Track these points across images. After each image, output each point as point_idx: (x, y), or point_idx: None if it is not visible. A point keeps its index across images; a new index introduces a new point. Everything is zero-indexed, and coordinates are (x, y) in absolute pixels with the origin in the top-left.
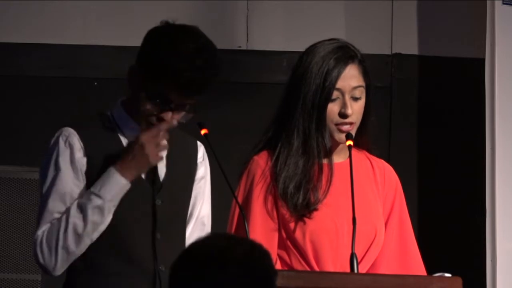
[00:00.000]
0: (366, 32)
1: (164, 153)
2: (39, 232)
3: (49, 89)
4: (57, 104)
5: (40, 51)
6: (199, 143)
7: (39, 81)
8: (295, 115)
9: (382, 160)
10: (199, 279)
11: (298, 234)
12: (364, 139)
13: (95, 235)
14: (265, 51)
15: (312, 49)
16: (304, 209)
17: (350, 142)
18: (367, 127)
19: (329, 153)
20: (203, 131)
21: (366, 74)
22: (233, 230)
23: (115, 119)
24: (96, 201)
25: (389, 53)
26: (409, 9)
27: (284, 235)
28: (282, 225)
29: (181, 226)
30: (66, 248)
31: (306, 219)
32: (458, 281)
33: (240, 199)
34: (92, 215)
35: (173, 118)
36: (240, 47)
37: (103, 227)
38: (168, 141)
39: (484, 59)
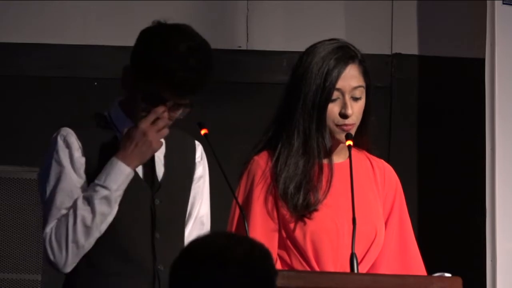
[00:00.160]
0: (366, 32)
1: (163, 147)
2: (48, 229)
3: (49, 89)
4: (57, 104)
5: (40, 51)
6: (197, 142)
7: (39, 81)
8: (295, 116)
9: (382, 160)
10: (199, 278)
11: (298, 234)
12: (364, 139)
13: (104, 227)
14: (265, 51)
15: (312, 49)
16: (305, 210)
17: (350, 142)
18: (367, 127)
19: (329, 153)
20: (203, 131)
21: (366, 74)
22: (233, 231)
23: (112, 119)
24: (103, 192)
25: (389, 53)
26: (409, 9)
27: (284, 235)
28: (282, 225)
29: (180, 226)
30: (76, 242)
31: (306, 220)
32: (458, 281)
33: (240, 199)
34: (100, 206)
35: (169, 117)
36: (240, 47)
37: (110, 218)
38: (166, 138)
39: (484, 59)
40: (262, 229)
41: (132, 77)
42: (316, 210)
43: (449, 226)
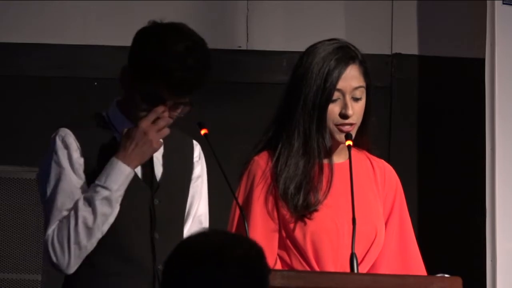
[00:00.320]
0: (366, 32)
1: (161, 148)
2: (50, 231)
3: (49, 89)
4: (57, 104)
5: (40, 51)
6: (195, 142)
7: (39, 81)
8: (295, 116)
9: (383, 160)
10: (197, 277)
11: (298, 235)
12: (365, 139)
13: (105, 227)
14: (265, 51)
15: (312, 49)
16: (305, 210)
17: (349, 142)
18: (368, 127)
19: (329, 154)
20: (203, 131)
21: (366, 74)
22: (233, 231)
23: (110, 119)
24: (103, 192)
25: (389, 53)
26: (409, 9)
27: (284, 235)
28: (282, 225)
29: (179, 226)
30: (78, 243)
31: (306, 220)
32: (458, 281)
33: (240, 200)
34: (101, 207)
35: (170, 116)
36: (240, 47)
37: (112, 218)
38: (165, 138)
39: (484, 59)
40: (262, 229)
41: (130, 77)
42: (316, 210)
43: (449, 226)
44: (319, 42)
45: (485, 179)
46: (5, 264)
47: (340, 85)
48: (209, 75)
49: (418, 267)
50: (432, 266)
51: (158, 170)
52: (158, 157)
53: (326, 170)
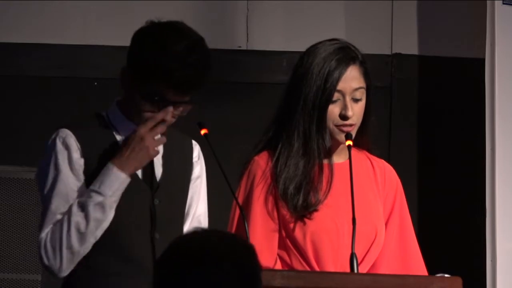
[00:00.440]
0: (366, 32)
1: (161, 147)
2: (43, 234)
3: (49, 89)
4: (57, 104)
5: (40, 51)
6: (194, 142)
7: (39, 81)
8: (295, 116)
9: (383, 160)
10: (188, 276)
11: (298, 235)
12: (365, 139)
13: (99, 233)
14: (265, 51)
15: (313, 49)
16: (304, 210)
17: (349, 142)
18: (368, 128)
19: (329, 154)
20: (203, 131)
21: (367, 75)
22: (233, 231)
23: (111, 120)
24: (97, 198)
25: (389, 53)
26: (409, 9)
27: (284, 235)
28: (282, 225)
29: (179, 226)
30: (70, 248)
31: (306, 220)
32: (458, 281)
33: (240, 200)
34: (94, 212)
35: (172, 115)
36: (240, 47)
37: (106, 224)
38: (164, 143)
39: (484, 59)
40: (262, 229)
41: (130, 78)
42: (316, 210)
43: (449, 226)
44: (320, 42)
45: (485, 179)
46: (5, 264)
47: (340, 86)
48: (210, 73)
49: (418, 267)
50: (432, 266)
51: (158, 170)
52: (158, 157)
53: (326, 170)
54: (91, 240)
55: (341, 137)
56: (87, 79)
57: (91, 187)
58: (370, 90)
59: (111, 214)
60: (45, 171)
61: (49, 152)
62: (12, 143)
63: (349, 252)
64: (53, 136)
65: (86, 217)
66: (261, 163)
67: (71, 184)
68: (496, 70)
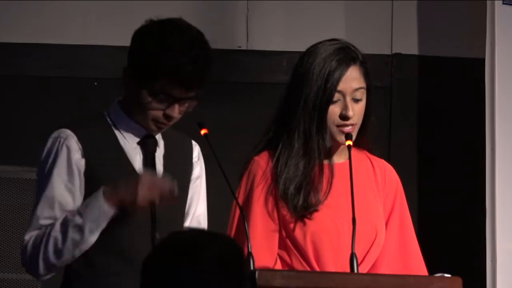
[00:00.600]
0: (366, 32)
1: (161, 147)
2: (27, 237)
3: (49, 89)
4: (57, 104)
5: (40, 51)
6: (194, 142)
7: (39, 81)
8: (296, 116)
9: (383, 160)
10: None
11: (299, 235)
12: (365, 139)
13: (77, 253)
14: (265, 51)
15: (313, 49)
16: (305, 211)
17: (349, 142)
18: (368, 128)
19: (329, 154)
20: (203, 131)
21: (367, 75)
22: (233, 231)
23: (112, 119)
24: (77, 220)
25: (389, 53)
26: (409, 9)
27: (284, 235)
28: (282, 225)
29: (179, 226)
30: (46, 259)
31: (306, 220)
32: (458, 281)
33: (240, 200)
34: (72, 233)
35: (179, 111)
36: (240, 47)
37: (84, 246)
38: (165, 139)
39: (484, 59)
40: (263, 229)
41: (133, 77)
42: (316, 210)
43: (449, 226)
44: (320, 43)
45: (485, 179)
46: (5, 264)
47: (341, 86)
48: (213, 67)
49: (419, 267)
50: (432, 266)
51: (159, 170)
52: (159, 157)
53: (326, 170)
54: (68, 257)
55: (341, 138)
56: (87, 79)
57: (80, 206)
58: (370, 90)
59: (91, 238)
60: (40, 173)
61: (47, 153)
62: (12, 143)
63: (349, 252)
64: (53, 135)
65: (64, 235)
66: (261, 163)
67: (61, 189)
68: (496, 70)
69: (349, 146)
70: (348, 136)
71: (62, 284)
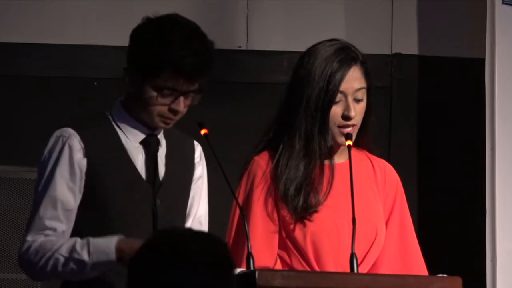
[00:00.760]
0: (366, 32)
1: (163, 147)
2: (29, 238)
3: (49, 89)
4: (57, 104)
5: (40, 51)
6: (195, 142)
7: (39, 81)
8: (297, 117)
9: (383, 160)
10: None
11: (299, 236)
12: (365, 139)
13: (74, 279)
14: (265, 51)
15: (313, 50)
16: (305, 211)
17: (349, 142)
18: (368, 128)
19: (330, 154)
20: (203, 131)
21: (367, 75)
22: (233, 231)
23: (115, 119)
24: (84, 255)
25: (389, 53)
26: (409, 9)
27: (284, 235)
28: (282, 226)
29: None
30: (43, 271)
31: (306, 221)
32: (458, 281)
33: (240, 200)
34: (74, 265)
35: (184, 105)
36: (240, 47)
37: (82, 276)
38: (167, 139)
39: (484, 59)
40: (262, 229)
41: (134, 76)
42: (316, 211)
43: (449, 226)
44: (320, 43)
45: (485, 179)
46: (5, 264)
47: (343, 87)
48: (215, 58)
49: (419, 267)
50: (432, 266)
51: (161, 170)
52: (161, 157)
53: (327, 170)
54: (64, 277)
55: (342, 139)
56: (87, 79)
57: (93, 239)
58: (370, 90)
59: (91, 275)
60: (42, 172)
61: (49, 152)
62: (12, 143)
63: (349, 252)
64: (56, 134)
65: (66, 263)
66: (262, 163)
67: (64, 189)
68: (496, 70)
69: (349, 146)
70: (348, 136)
71: (62, 284)
